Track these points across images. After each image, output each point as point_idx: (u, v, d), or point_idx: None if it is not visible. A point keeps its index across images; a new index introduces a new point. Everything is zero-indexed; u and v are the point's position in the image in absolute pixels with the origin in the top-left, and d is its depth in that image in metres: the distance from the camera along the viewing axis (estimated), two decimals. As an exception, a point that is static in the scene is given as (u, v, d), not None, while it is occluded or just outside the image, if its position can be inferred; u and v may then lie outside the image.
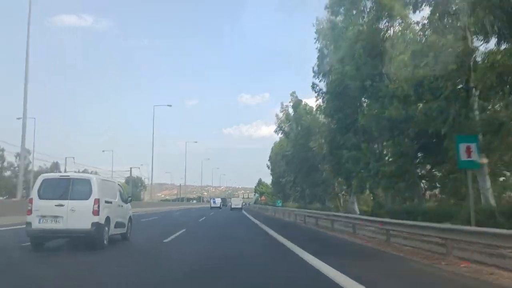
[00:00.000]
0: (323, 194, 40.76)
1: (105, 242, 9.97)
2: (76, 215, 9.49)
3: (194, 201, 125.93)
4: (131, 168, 68.87)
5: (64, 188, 9.78)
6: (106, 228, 10.09)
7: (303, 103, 43.34)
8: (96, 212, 9.63)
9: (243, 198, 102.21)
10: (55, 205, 9.48)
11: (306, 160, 39.28)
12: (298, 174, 43.70)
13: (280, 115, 48.35)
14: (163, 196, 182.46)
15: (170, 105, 57.40)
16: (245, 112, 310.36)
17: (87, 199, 9.66)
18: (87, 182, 9.97)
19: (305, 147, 38.45)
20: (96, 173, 52.82)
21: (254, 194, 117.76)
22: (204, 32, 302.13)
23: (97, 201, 9.69)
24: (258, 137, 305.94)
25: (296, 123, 42.52)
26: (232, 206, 61.18)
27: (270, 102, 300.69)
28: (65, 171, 43.66)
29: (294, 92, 44.99)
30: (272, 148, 69.75)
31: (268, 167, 72.90)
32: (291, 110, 45.82)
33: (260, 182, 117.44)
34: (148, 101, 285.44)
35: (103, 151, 76.86)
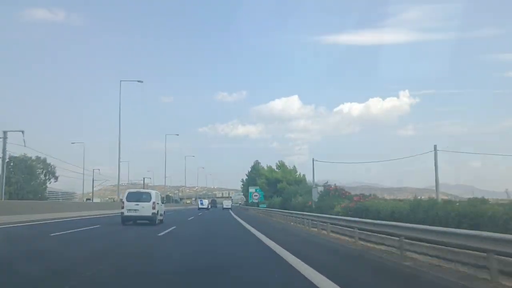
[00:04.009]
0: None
1: (157, 222, 21.09)
2: (145, 209, 20.55)
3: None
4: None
5: (138, 196, 21.02)
6: (157, 215, 21.20)
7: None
8: (153, 208, 20.72)
9: (221, 198, 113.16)
10: (135, 204, 20.55)
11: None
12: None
13: None
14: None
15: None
16: (221, 110, 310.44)
17: (149, 201, 20.74)
18: (149, 193, 21.27)
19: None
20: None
21: (248, 189, 70.52)
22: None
23: (154, 203, 20.80)
24: (232, 137, 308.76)
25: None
26: (224, 207, 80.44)
27: (247, 101, 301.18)
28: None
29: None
30: None
31: None
32: None
33: (255, 167, 78.27)
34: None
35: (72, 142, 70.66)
